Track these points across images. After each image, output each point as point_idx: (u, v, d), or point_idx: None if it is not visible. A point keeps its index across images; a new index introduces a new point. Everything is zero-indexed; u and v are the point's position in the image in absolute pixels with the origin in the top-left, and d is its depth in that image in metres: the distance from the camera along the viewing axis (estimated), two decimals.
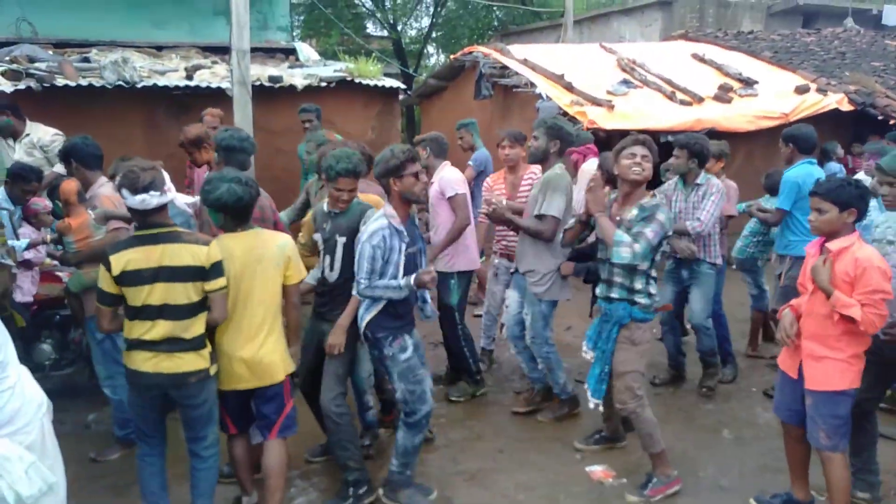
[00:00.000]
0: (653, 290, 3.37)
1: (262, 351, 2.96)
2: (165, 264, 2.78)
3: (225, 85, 6.70)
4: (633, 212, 3.29)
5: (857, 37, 12.92)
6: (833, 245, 2.83)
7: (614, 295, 3.37)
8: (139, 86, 6.73)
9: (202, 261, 2.83)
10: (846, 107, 8.37)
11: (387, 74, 8.47)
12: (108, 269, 2.76)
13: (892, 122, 8.10)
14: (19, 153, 5.06)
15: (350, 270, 3.21)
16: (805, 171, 4.42)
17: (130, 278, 2.75)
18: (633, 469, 3.68)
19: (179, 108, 6.90)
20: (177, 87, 6.91)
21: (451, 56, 10.98)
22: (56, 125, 5.41)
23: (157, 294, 2.77)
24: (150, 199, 2.74)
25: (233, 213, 2.92)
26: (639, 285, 3.32)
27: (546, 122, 3.98)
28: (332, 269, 3.35)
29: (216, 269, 2.86)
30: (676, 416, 4.39)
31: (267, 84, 7.16)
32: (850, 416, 2.93)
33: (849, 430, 2.95)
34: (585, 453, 3.89)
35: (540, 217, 3.88)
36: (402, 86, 8.54)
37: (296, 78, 7.45)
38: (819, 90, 8.63)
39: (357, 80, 7.65)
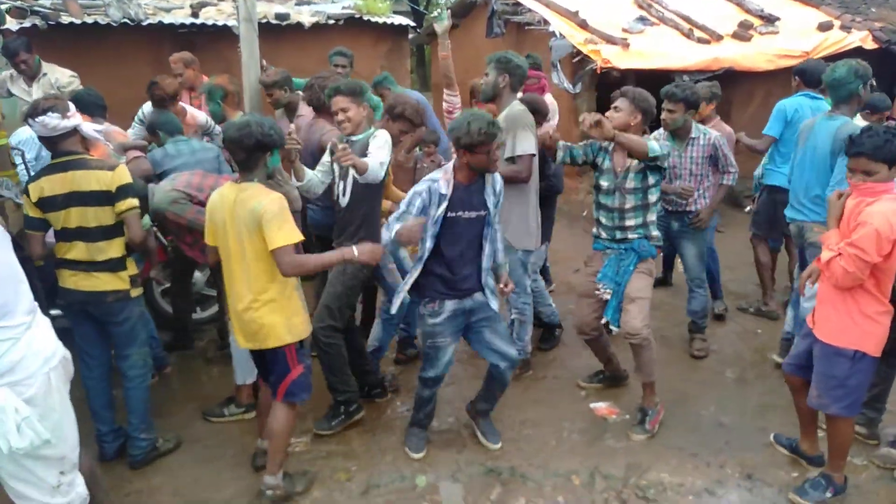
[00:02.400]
0: (655, 230, 3.57)
1: (251, 313, 2.85)
2: (75, 190, 2.98)
3: (231, 22, 6.57)
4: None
5: None
6: (868, 189, 2.67)
7: (631, 235, 3.50)
8: (144, 23, 6.62)
9: (107, 185, 3.01)
10: (870, 45, 8.07)
11: (396, 12, 8.25)
12: (28, 196, 3.00)
13: None
14: (37, 93, 5.03)
15: (360, 197, 3.38)
16: (797, 102, 4.48)
17: (47, 204, 2.98)
18: (635, 407, 3.76)
19: (185, 45, 6.75)
20: (182, 25, 6.79)
21: None
22: (61, 64, 5.35)
23: (72, 218, 3.00)
24: (49, 121, 2.86)
25: (233, 157, 2.89)
26: (651, 217, 3.51)
27: (495, 56, 3.79)
28: (343, 194, 3.46)
29: (122, 192, 3.04)
30: (680, 357, 4.47)
31: (273, 21, 7.01)
32: (853, 385, 2.78)
33: (850, 400, 2.80)
34: (589, 391, 3.99)
35: (512, 160, 3.67)
36: (412, 24, 8.33)
37: (303, 15, 7.28)
38: (843, 27, 8.31)
39: (365, 18, 7.46)
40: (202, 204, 3.33)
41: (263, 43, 5.89)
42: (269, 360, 2.98)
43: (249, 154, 2.79)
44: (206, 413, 3.78)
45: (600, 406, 3.81)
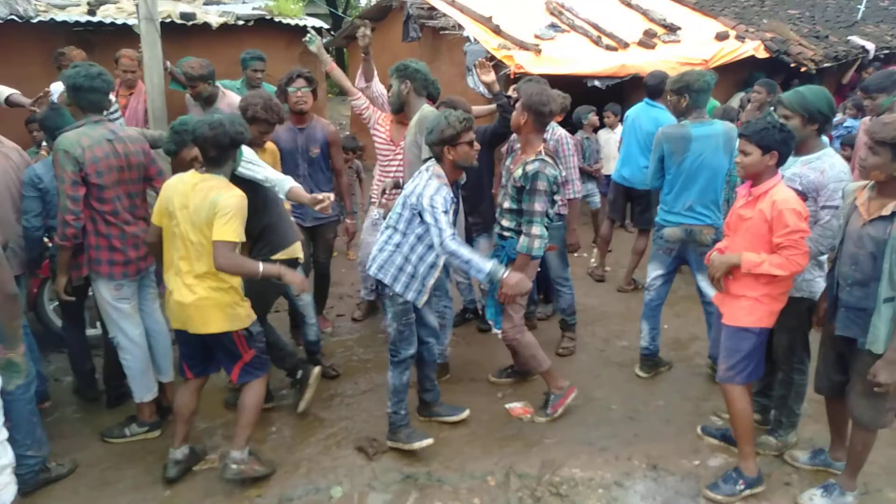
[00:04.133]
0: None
1: (184, 296, 2.94)
2: None
3: (132, 21, 6.25)
4: (519, 171, 3.46)
5: None
6: (756, 190, 2.88)
7: (506, 233, 3.62)
8: (34, 20, 6.20)
9: None
10: (762, 54, 8.62)
11: (312, 14, 8.10)
12: None
13: (803, 69, 8.43)
14: None
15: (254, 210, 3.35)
16: (635, 108, 5.55)
17: None
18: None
19: (82, 45, 6.37)
20: (77, 23, 6.41)
21: None
22: None
23: None
24: None
25: (204, 154, 2.95)
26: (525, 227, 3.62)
27: (393, 67, 3.93)
28: None
29: None
30: (592, 353, 4.60)
31: (178, 21, 6.73)
32: (755, 355, 3.01)
33: (749, 367, 3.02)
34: (506, 390, 4.05)
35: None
36: (326, 26, 8.20)
37: (210, 15, 7.03)
38: (738, 37, 8.84)
39: (277, 19, 7.29)
40: None
41: (168, 44, 5.68)
42: (216, 345, 3.07)
43: (221, 152, 2.92)
44: (105, 434, 3.57)
45: (515, 406, 3.86)
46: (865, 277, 2.68)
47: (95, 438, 3.56)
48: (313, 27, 7.55)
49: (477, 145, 3.26)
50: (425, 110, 3.76)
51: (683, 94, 3.81)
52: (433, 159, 3.30)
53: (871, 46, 9.32)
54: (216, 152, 2.91)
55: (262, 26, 7.27)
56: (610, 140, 6.91)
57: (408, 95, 3.81)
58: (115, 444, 3.51)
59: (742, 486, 3.05)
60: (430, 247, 3.22)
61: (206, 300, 2.93)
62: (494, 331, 3.75)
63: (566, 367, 4.33)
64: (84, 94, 3.21)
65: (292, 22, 7.39)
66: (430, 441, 3.39)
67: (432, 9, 8.48)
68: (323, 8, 15.62)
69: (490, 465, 3.35)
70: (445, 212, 3.11)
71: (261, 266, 2.97)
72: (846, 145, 5.50)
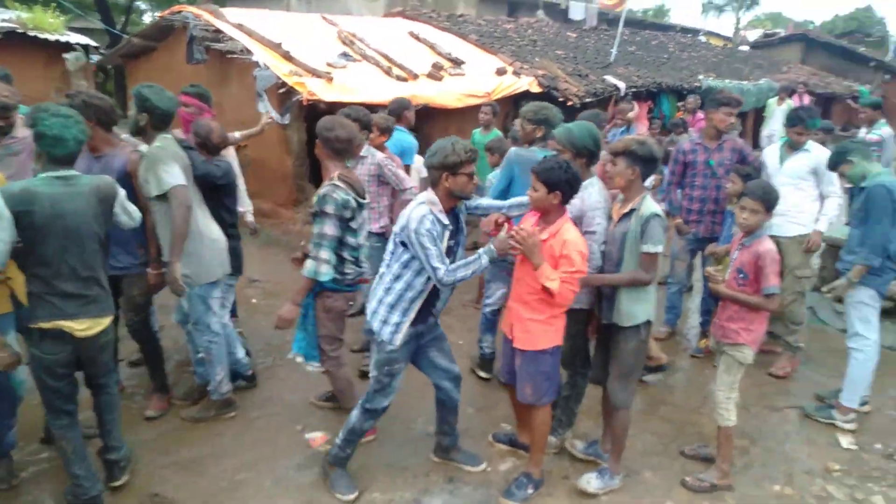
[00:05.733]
0: (346, 268, 3.47)
1: None
2: None
3: None
4: (314, 197, 3.44)
5: (547, 27, 14.84)
6: (551, 229, 3.04)
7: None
8: None
9: None
10: (536, 88, 9.59)
11: (83, 30, 7.34)
12: None
13: (569, 103, 9.52)
14: None
15: None
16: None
17: None
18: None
19: None
20: None
21: (159, 14, 9.94)
22: None
23: None
24: None
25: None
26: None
27: (135, 90, 3.64)
28: None
29: None
30: None
31: None
32: (555, 372, 3.19)
33: (553, 385, 3.19)
34: (307, 420, 3.96)
35: (163, 197, 3.45)
36: (95, 43, 7.49)
37: None
38: (515, 73, 9.74)
39: (32, 34, 6.50)
40: None
41: None
42: None
43: None
44: None
45: (315, 436, 3.80)
46: (616, 270, 3.19)
47: None
48: (78, 44, 6.86)
49: (476, 178, 3.10)
50: (159, 142, 3.52)
51: (541, 126, 4.07)
52: (429, 188, 3.08)
53: (622, 85, 10.84)
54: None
55: (15, 40, 6.44)
56: None
57: (144, 126, 3.57)
58: None
59: (532, 490, 3.31)
60: (418, 273, 3.03)
61: None
62: (299, 361, 3.64)
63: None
64: None
65: (51, 37, 6.63)
66: (354, 495, 3.26)
67: (218, 31, 8.17)
68: (98, 24, 14.26)
69: (291, 501, 3.25)
70: (434, 241, 2.93)
71: None
72: None
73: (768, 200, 3.32)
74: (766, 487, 3.49)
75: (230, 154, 4.53)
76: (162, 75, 9.73)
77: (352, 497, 3.25)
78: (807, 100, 13.68)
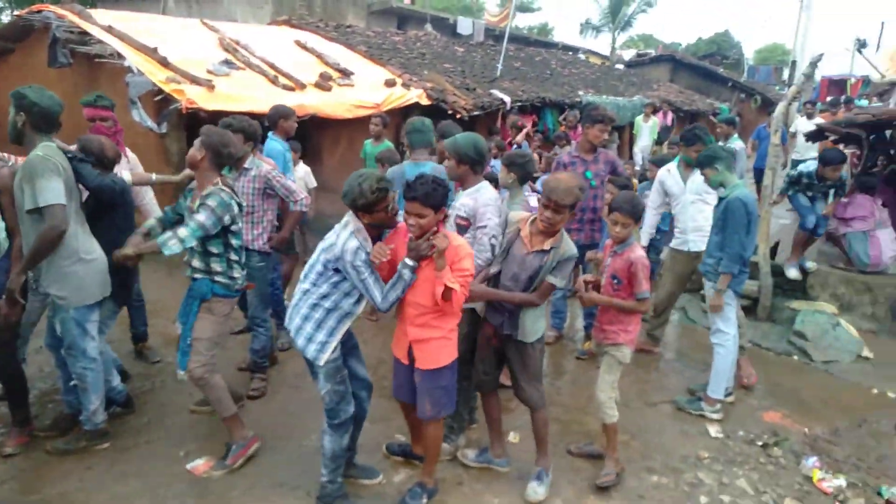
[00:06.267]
0: (235, 272, 3.58)
1: None
2: None
3: None
4: (196, 203, 3.44)
5: (435, 41, 15.10)
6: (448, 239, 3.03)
7: (197, 275, 3.54)
8: None
9: None
10: (425, 101, 9.71)
11: None
12: None
13: (458, 115, 9.72)
14: None
15: None
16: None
17: None
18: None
19: None
20: None
21: (17, 13, 9.14)
22: None
23: None
24: None
25: None
26: (219, 267, 3.53)
27: (12, 92, 3.32)
28: None
29: None
30: (284, 389, 4.56)
31: None
32: (452, 384, 3.21)
33: (451, 397, 3.22)
34: (188, 447, 3.75)
35: (37, 210, 3.19)
36: None
37: None
38: (404, 85, 9.81)
39: None
40: None
41: None
42: None
43: None
44: None
45: (198, 464, 3.59)
46: (522, 291, 3.29)
47: None
48: None
49: (395, 207, 3.09)
50: (39, 152, 3.22)
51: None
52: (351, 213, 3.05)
53: (507, 99, 11.21)
54: None
55: None
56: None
57: (23, 128, 3.28)
58: None
59: (426, 499, 3.33)
60: (347, 294, 3.06)
61: None
62: (178, 373, 3.51)
63: (260, 406, 4.22)
64: None
65: None
66: None
67: (85, 33, 7.62)
68: None
69: None
70: (370, 270, 2.99)
71: None
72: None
73: (636, 212, 3.54)
74: (646, 479, 3.70)
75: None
76: (21, 79, 8.91)
77: None
78: (669, 117, 14.76)
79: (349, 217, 3.06)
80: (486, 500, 3.42)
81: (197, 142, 3.49)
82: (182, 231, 3.35)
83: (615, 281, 3.56)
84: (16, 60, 9.30)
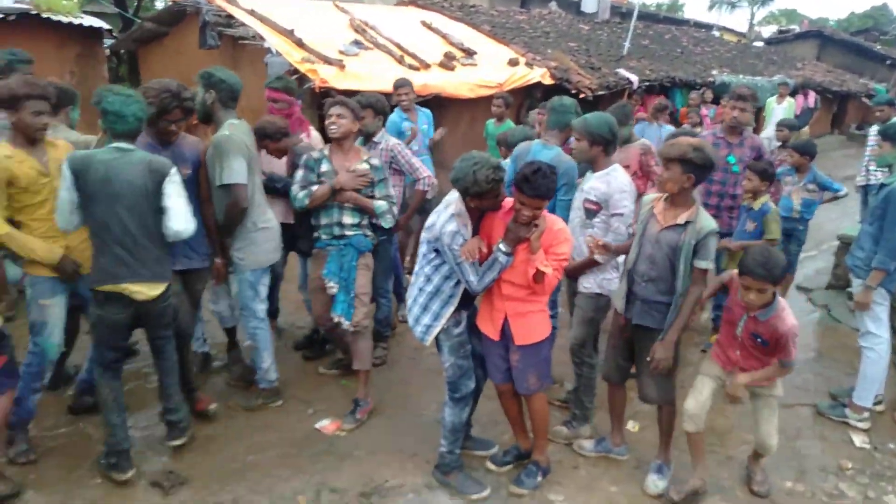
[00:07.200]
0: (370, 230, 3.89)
1: None
2: None
3: None
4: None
5: (560, 19, 14.76)
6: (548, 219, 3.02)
7: (348, 232, 3.76)
8: None
9: None
10: (548, 80, 9.54)
11: (95, 13, 7.33)
12: None
13: (581, 95, 9.46)
14: None
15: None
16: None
17: None
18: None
19: None
20: None
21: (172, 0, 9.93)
22: None
23: None
24: None
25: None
26: (365, 222, 3.84)
27: (200, 71, 3.56)
28: None
29: None
30: (403, 358, 4.68)
31: None
32: (550, 355, 3.22)
33: (549, 368, 3.22)
34: (317, 406, 3.97)
35: (224, 187, 3.48)
36: (106, 26, 7.47)
37: None
38: (527, 64, 9.68)
39: (45, 16, 6.48)
40: None
41: None
42: None
43: None
44: None
45: (326, 423, 3.79)
46: (659, 275, 3.10)
47: None
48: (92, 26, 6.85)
49: (504, 193, 3.04)
50: (226, 131, 3.47)
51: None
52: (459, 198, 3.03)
53: (634, 78, 10.77)
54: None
55: (28, 22, 6.43)
56: None
57: (213, 107, 3.53)
58: None
59: (541, 478, 3.31)
60: (447, 277, 3.07)
61: None
62: (345, 323, 3.73)
63: (380, 375, 4.37)
64: None
65: (65, 19, 6.62)
66: (487, 492, 3.23)
67: (231, 17, 8.14)
68: (109, 7, 14.25)
69: (301, 483, 3.26)
70: (459, 260, 2.97)
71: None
72: None
73: (773, 276, 2.86)
74: (777, 483, 3.47)
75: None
76: (174, 61, 9.74)
77: (485, 494, 3.23)
78: (811, 98, 12.98)
79: (452, 198, 3.03)
80: (603, 487, 3.35)
81: (334, 112, 3.66)
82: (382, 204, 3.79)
83: (759, 340, 3.07)
84: (169, 43, 10.14)
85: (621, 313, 3.31)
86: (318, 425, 3.79)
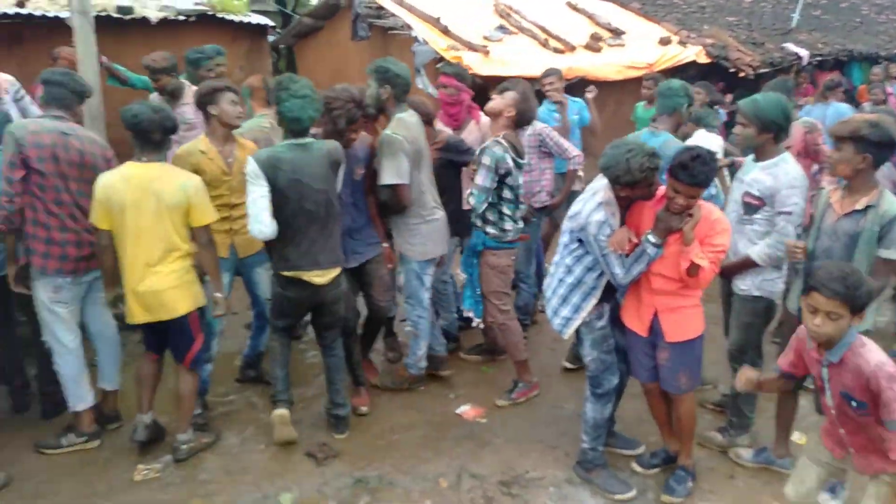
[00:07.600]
0: (507, 224, 3.68)
1: (156, 285, 3.07)
2: None
3: (64, 14, 5.98)
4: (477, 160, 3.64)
5: None
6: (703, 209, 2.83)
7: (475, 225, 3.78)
8: None
9: None
10: (703, 59, 8.91)
11: (259, 11, 7.93)
12: None
13: (741, 74, 8.74)
14: None
15: None
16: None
17: None
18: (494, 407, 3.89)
19: (11, 38, 6.11)
20: (5, 15, 6.09)
21: None
22: None
23: None
24: None
25: (134, 135, 3.06)
26: (491, 217, 3.68)
27: (374, 65, 3.54)
28: None
29: None
30: (542, 352, 4.61)
31: (115, 15, 6.49)
32: (701, 355, 3.08)
33: (699, 368, 3.10)
34: (458, 391, 4.04)
35: (387, 186, 3.52)
36: (271, 23, 8.05)
37: (149, 9, 6.80)
38: (681, 42, 9.10)
39: (220, 16, 7.10)
40: None
41: (104, 38, 5.47)
42: (172, 332, 3.22)
43: (164, 135, 3.10)
44: (40, 445, 3.40)
45: (466, 409, 3.86)
46: None
47: (30, 450, 3.38)
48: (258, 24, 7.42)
49: (658, 183, 2.89)
50: (388, 131, 3.49)
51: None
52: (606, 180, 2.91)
53: (804, 53, 9.75)
54: (160, 136, 3.09)
55: (204, 22, 7.09)
56: None
57: (387, 101, 3.54)
58: (50, 456, 3.35)
59: (691, 483, 3.14)
60: (590, 269, 2.98)
61: (178, 282, 3.12)
62: (475, 321, 3.83)
63: None
64: (51, 87, 3.27)
65: (236, 18, 7.22)
66: (632, 493, 3.10)
67: (381, 8, 8.43)
68: (270, 5, 15.33)
69: (442, 466, 3.34)
70: (605, 250, 2.87)
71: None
72: None
73: (853, 296, 2.13)
74: None
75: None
76: (327, 53, 10.30)
77: (631, 494, 3.10)
78: None
79: (599, 185, 2.90)
80: (764, 501, 3.10)
81: (509, 95, 3.58)
82: (471, 198, 3.60)
83: (853, 403, 2.26)
84: (324, 36, 10.72)
85: (794, 315, 3.01)
86: (458, 410, 3.86)
